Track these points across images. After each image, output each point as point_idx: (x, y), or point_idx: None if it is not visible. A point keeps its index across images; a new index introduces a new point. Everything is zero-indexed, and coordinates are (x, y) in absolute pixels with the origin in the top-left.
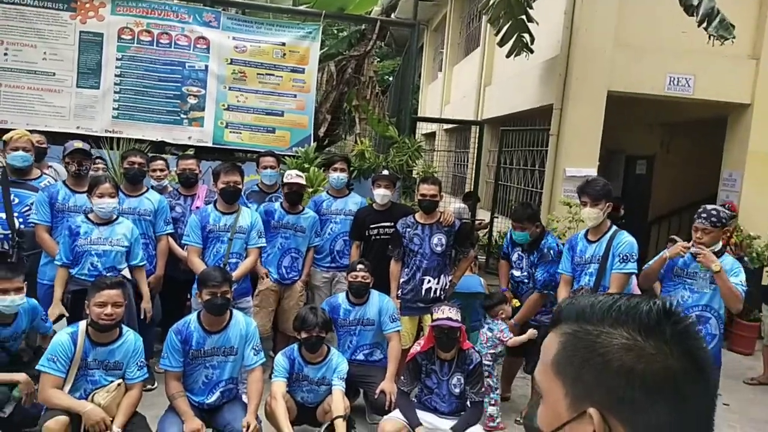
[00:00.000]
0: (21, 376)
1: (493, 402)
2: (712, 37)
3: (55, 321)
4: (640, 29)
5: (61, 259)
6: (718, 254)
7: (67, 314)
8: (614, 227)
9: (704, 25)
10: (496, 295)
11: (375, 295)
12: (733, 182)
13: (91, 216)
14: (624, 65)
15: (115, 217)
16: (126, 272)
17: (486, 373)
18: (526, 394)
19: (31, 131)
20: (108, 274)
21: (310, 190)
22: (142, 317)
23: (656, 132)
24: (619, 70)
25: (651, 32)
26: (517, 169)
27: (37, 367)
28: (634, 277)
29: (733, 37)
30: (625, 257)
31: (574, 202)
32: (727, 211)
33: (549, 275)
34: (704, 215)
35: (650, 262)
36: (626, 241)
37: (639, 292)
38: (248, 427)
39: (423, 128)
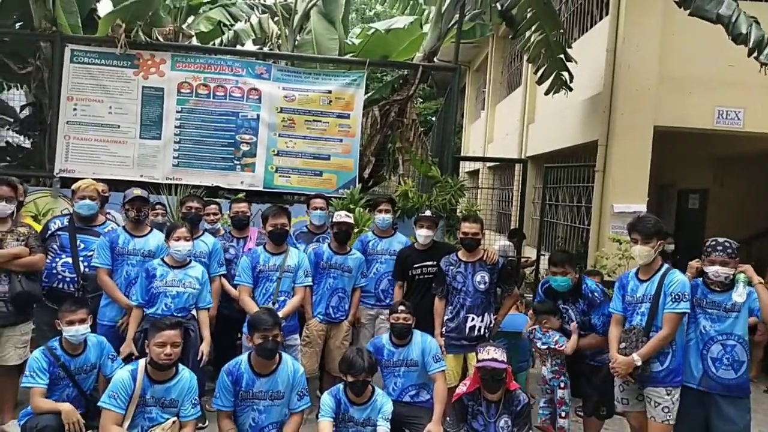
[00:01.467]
0: (64, 406)
1: (563, 415)
2: (764, 66)
3: (125, 359)
4: (686, 63)
5: (137, 300)
6: (732, 285)
7: (136, 353)
8: (666, 265)
9: (755, 54)
10: (549, 303)
11: (417, 335)
12: None
13: (166, 259)
14: (670, 100)
15: (188, 260)
16: (195, 313)
17: (561, 384)
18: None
19: (98, 180)
20: (179, 315)
21: (356, 230)
22: (198, 358)
23: (708, 166)
24: (664, 104)
25: (697, 65)
26: (563, 206)
27: (99, 404)
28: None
29: None
30: (677, 296)
31: (624, 239)
32: (735, 242)
33: (605, 317)
34: (720, 248)
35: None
36: (678, 279)
37: None
38: None
39: (467, 166)
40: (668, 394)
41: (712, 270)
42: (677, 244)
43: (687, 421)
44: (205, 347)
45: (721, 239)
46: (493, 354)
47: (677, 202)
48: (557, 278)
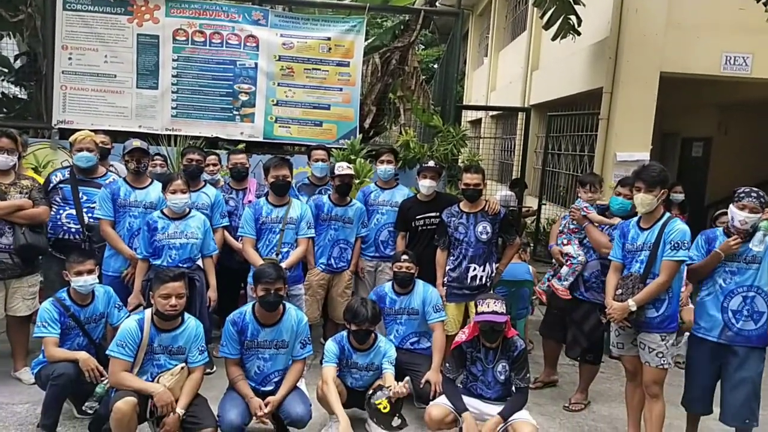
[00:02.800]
0: (81, 354)
1: (569, 265)
2: None
3: (133, 310)
4: (694, 8)
5: (141, 253)
6: (751, 234)
7: (144, 304)
8: (667, 214)
9: (763, 1)
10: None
11: (420, 285)
12: None
13: (166, 211)
14: (677, 46)
15: (188, 211)
16: (199, 262)
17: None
18: (575, 381)
19: (96, 131)
20: (184, 266)
21: (357, 181)
22: (207, 305)
23: (713, 113)
24: (671, 50)
25: (705, 11)
26: (566, 155)
27: (107, 352)
28: (684, 265)
29: None
30: (676, 244)
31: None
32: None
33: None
34: (754, 195)
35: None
36: (678, 228)
37: (689, 281)
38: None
39: (469, 115)
40: (663, 340)
41: (741, 215)
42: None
43: (701, 370)
44: (212, 293)
45: (754, 188)
46: (492, 307)
47: (681, 151)
48: (617, 198)
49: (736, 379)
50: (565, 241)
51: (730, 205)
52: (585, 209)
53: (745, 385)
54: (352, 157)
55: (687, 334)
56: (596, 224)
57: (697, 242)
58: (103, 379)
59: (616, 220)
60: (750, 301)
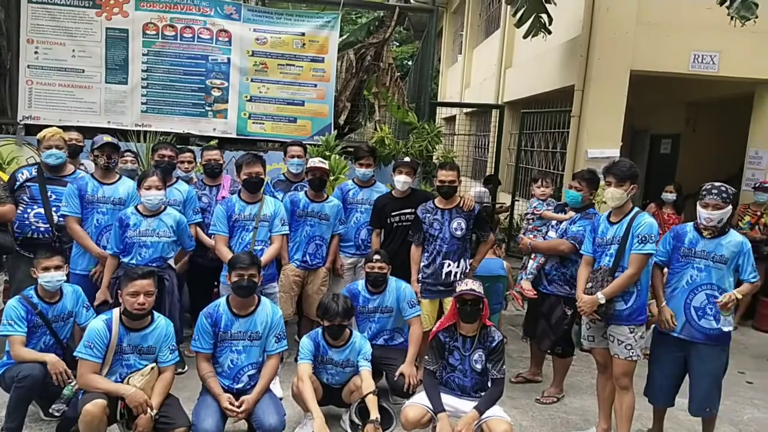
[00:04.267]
0: (49, 356)
1: (533, 258)
2: (733, 18)
3: (99, 305)
4: (663, 7)
5: (112, 249)
6: (724, 231)
7: (111, 300)
8: (636, 209)
9: (726, 4)
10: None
11: (392, 282)
12: (759, 160)
13: (140, 208)
14: (647, 44)
15: (162, 208)
16: (171, 261)
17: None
18: (548, 374)
19: (67, 128)
20: (154, 265)
21: (332, 178)
22: (177, 304)
23: (681, 111)
24: (641, 48)
25: (674, 10)
26: (538, 152)
27: (75, 354)
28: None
29: (756, 17)
30: (644, 238)
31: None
32: (732, 189)
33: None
34: (715, 192)
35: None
36: (645, 222)
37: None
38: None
39: (443, 112)
40: (631, 332)
41: (705, 214)
42: (648, 188)
43: (665, 361)
44: (180, 266)
45: (717, 183)
46: (471, 285)
47: (650, 147)
48: (570, 191)
49: (700, 372)
50: (530, 237)
51: (697, 203)
52: (535, 209)
53: (707, 377)
54: (327, 153)
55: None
56: (553, 220)
57: (666, 237)
58: (70, 381)
59: (569, 215)
60: (713, 300)
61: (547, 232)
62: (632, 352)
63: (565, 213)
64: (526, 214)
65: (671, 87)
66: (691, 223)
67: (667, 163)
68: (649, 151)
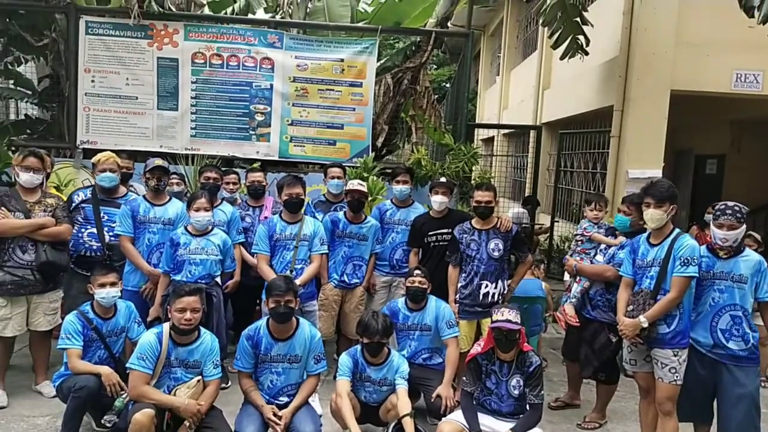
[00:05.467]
0: (104, 369)
1: (578, 281)
2: None
3: (152, 321)
4: (703, 26)
5: (163, 267)
6: (739, 250)
7: (163, 317)
8: (677, 230)
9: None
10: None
11: (432, 301)
12: None
13: (189, 228)
14: (686, 63)
15: (210, 228)
16: (218, 279)
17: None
18: (591, 399)
19: (119, 153)
20: (203, 282)
21: (370, 199)
22: (223, 321)
23: (726, 130)
24: (681, 68)
25: (714, 29)
26: (578, 172)
27: (127, 365)
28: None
29: None
30: (686, 260)
31: None
32: (745, 208)
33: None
34: (729, 212)
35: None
36: (687, 244)
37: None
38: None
39: (482, 134)
40: (675, 356)
41: (720, 234)
42: (695, 209)
43: (695, 380)
44: (231, 284)
45: (730, 203)
46: (507, 315)
47: (694, 168)
48: (618, 216)
49: (734, 396)
50: (578, 259)
51: (711, 224)
52: (585, 231)
53: (744, 401)
54: (365, 174)
55: None
56: (602, 244)
57: None
58: (122, 392)
59: (619, 240)
60: (738, 321)
61: (594, 255)
62: (676, 376)
63: (615, 237)
64: (576, 235)
65: (714, 106)
66: (704, 246)
67: (713, 184)
68: (694, 171)
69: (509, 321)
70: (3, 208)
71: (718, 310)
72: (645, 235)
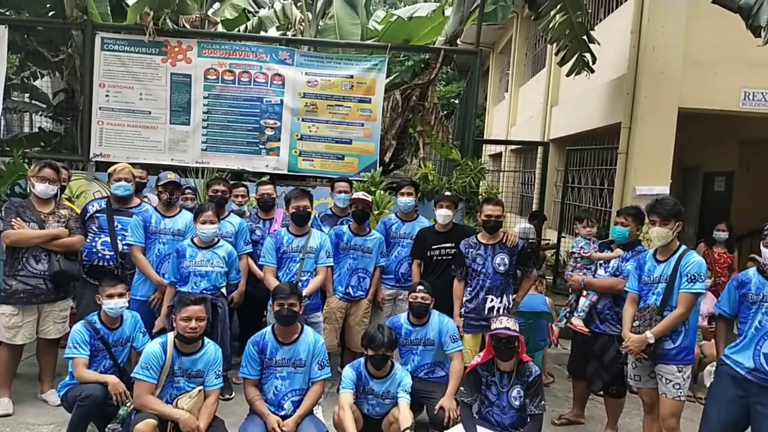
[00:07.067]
0: (110, 378)
1: (586, 295)
2: None
3: (157, 332)
4: (711, 45)
5: (169, 278)
6: None
7: (168, 328)
8: (683, 247)
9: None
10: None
11: (435, 315)
12: None
13: (195, 240)
14: (694, 81)
15: (216, 240)
16: (223, 290)
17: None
18: (594, 415)
19: (132, 164)
20: (207, 293)
21: (376, 212)
22: (228, 332)
23: (735, 148)
24: (689, 86)
25: (722, 47)
26: (585, 188)
27: (132, 375)
28: (701, 297)
29: None
30: (693, 277)
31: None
32: None
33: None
34: None
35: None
36: (694, 261)
37: (705, 312)
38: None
39: (490, 150)
40: (679, 371)
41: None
42: (703, 227)
43: (724, 399)
44: (236, 295)
45: None
46: (505, 323)
47: (703, 185)
48: (617, 228)
49: None
50: (581, 274)
51: (760, 244)
52: (582, 250)
53: None
54: (372, 188)
55: (709, 368)
56: (601, 260)
57: (729, 290)
58: (127, 401)
59: (617, 253)
60: None
61: (596, 271)
62: (680, 392)
63: (612, 250)
64: (572, 253)
65: (723, 124)
66: (753, 269)
67: (721, 202)
68: (703, 188)
69: (508, 329)
70: (18, 218)
71: (764, 333)
72: (651, 251)
